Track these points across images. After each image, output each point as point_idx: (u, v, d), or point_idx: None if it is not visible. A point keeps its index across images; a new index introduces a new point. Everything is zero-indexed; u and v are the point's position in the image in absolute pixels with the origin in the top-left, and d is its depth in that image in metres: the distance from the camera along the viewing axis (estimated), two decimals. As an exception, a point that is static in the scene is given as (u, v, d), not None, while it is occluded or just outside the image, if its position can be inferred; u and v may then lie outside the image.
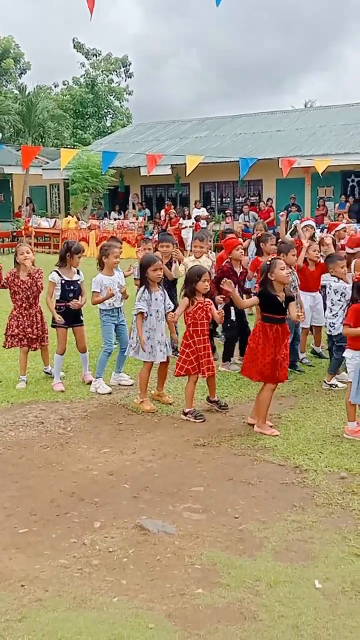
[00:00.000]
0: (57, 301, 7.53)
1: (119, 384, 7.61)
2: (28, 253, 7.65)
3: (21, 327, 7.65)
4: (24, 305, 7.66)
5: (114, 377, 7.70)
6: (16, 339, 7.67)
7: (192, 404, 6.65)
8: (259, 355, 6.08)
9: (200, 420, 6.50)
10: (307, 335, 8.81)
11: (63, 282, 7.51)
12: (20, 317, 7.66)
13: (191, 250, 8.82)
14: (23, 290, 7.64)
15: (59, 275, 7.54)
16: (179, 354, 6.75)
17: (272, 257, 6.86)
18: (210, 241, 9.88)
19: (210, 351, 6.71)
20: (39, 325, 7.72)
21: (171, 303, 7.11)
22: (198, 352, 6.57)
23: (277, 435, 6.00)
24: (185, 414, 6.60)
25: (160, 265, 6.87)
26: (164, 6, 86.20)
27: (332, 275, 7.50)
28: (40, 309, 7.79)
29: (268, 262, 6.24)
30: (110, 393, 7.29)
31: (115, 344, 7.58)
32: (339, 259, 7.54)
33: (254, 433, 6.07)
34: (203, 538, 4.21)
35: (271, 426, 6.16)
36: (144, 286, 6.82)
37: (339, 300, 7.32)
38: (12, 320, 7.69)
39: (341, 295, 7.32)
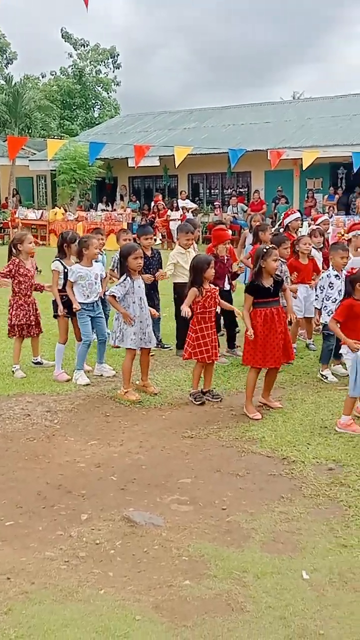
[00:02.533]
0: (59, 291, 7.55)
1: (102, 375, 7.58)
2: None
3: (27, 315, 7.72)
4: (28, 294, 7.73)
5: (97, 368, 7.69)
6: (20, 328, 7.72)
7: (197, 385, 6.83)
8: (247, 342, 6.27)
9: (198, 403, 6.65)
10: (299, 326, 8.82)
11: (66, 271, 7.53)
12: (25, 305, 7.72)
13: (177, 242, 8.68)
14: (28, 279, 7.71)
15: (62, 264, 7.57)
16: (187, 338, 6.78)
17: (269, 245, 6.83)
18: (198, 231, 9.84)
19: (216, 337, 6.89)
20: (37, 312, 7.84)
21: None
22: (207, 338, 6.69)
23: (258, 420, 6.14)
24: (191, 394, 6.81)
25: (140, 253, 6.88)
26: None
27: (331, 264, 7.48)
28: (34, 297, 7.86)
29: (264, 250, 6.29)
30: (88, 384, 7.25)
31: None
32: (341, 249, 7.49)
33: (242, 424, 6.06)
34: (190, 530, 4.19)
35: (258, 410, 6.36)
36: (125, 274, 6.84)
37: (331, 289, 7.33)
38: (18, 309, 7.70)
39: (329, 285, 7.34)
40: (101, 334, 7.55)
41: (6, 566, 3.76)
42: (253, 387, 6.39)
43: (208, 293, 6.71)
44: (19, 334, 7.73)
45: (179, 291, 7.81)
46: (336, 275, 7.31)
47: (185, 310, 6.65)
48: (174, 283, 8.34)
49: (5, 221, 28.13)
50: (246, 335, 6.29)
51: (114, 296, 6.75)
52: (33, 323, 7.79)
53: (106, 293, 7.00)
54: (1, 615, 3.31)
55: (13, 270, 7.64)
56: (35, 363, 8.03)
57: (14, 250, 7.74)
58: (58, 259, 7.64)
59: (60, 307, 7.51)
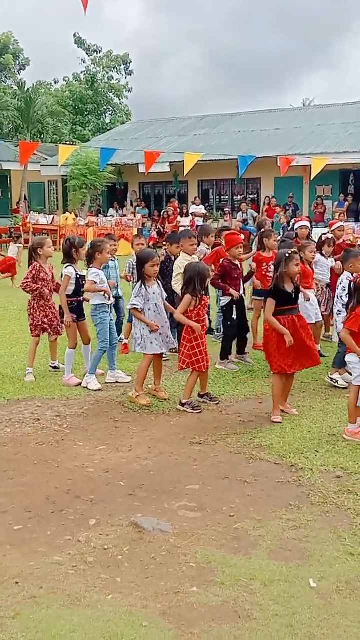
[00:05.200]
0: (69, 296, 7.57)
1: (117, 382, 7.59)
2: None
3: (49, 317, 7.83)
4: (48, 297, 7.82)
5: (111, 374, 7.66)
6: (41, 328, 7.81)
7: (191, 395, 6.76)
8: (278, 349, 6.23)
9: (197, 412, 6.60)
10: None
11: (78, 276, 7.58)
12: (46, 307, 7.83)
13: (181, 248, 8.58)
14: (47, 283, 7.81)
15: (75, 270, 7.64)
16: (180, 348, 6.78)
17: (291, 250, 6.81)
18: (212, 236, 9.83)
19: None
20: (56, 315, 7.93)
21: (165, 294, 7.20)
22: (202, 347, 6.68)
23: (279, 423, 6.21)
24: (182, 404, 6.67)
25: (158, 261, 6.91)
26: (166, 2, 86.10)
27: (349, 271, 7.43)
28: (54, 300, 7.98)
29: (287, 255, 6.28)
30: (100, 390, 7.28)
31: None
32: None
33: (250, 431, 6.06)
34: (198, 536, 4.20)
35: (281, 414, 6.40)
36: (140, 282, 6.86)
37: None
38: (39, 310, 7.80)
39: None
40: (112, 339, 7.57)
41: (15, 570, 3.78)
42: (281, 392, 6.40)
43: (204, 301, 6.73)
44: (41, 333, 7.81)
45: None
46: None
47: (182, 318, 6.66)
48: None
49: (17, 226, 28.29)
50: (271, 343, 6.26)
51: (136, 308, 6.77)
52: (54, 324, 7.88)
53: (128, 307, 6.98)
54: (9, 619, 3.32)
55: (35, 276, 7.73)
56: (53, 367, 8.08)
57: (34, 255, 7.83)
58: (70, 264, 7.65)
59: (68, 314, 7.51)
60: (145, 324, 6.77)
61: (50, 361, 8.18)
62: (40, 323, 7.79)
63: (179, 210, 25.78)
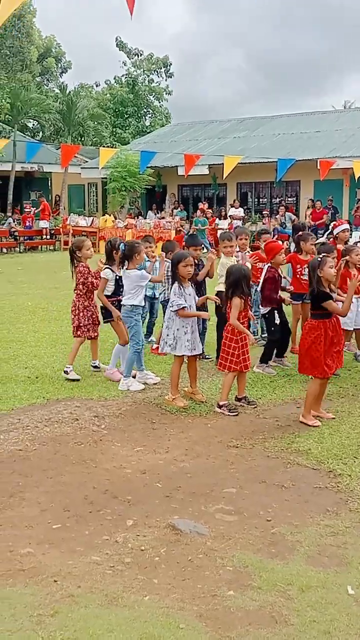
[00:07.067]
0: (109, 297, 7.75)
1: (145, 383, 7.63)
2: None
3: (93, 317, 7.96)
4: (91, 297, 7.99)
5: (140, 375, 7.69)
6: (86, 329, 7.91)
7: (228, 396, 6.77)
8: (323, 352, 6.19)
9: (234, 414, 6.60)
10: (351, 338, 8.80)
11: (117, 277, 7.71)
12: (90, 307, 7.96)
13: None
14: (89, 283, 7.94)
15: (112, 272, 7.78)
16: (223, 348, 6.80)
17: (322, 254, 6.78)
18: (247, 238, 9.79)
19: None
20: (97, 315, 8.06)
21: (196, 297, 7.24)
22: (245, 348, 6.72)
23: (318, 426, 6.19)
24: (220, 406, 6.67)
25: (191, 261, 6.93)
26: (207, 4, 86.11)
27: None
28: (95, 300, 8.10)
29: (319, 260, 6.27)
30: (143, 389, 7.35)
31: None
32: None
33: (288, 436, 6.03)
34: (235, 540, 4.20)
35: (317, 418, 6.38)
36: (176, 282, 6.92)
37: None
38: (85, 310, 7.91)
39: None
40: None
41: (53, 569, 3.83)
42: (316, 397, 6.36)
43: (247, 302, 6.84)
44: (83, 335, 7.91)
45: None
46: None
47: (237, 324, 6.67)
48: (218, 291, 8.18)
49: (57, 227, 28.62)
50: (320, 347, 6.19)
51: (183, 308, 6.81)
52: (97, 324, 8.01)
53: (170, 309, 7.00)
54: (48, 617, 3.36)
55: (92, 276, 7.87)
56: (94, 367, 8.16)
57: (74, 256, 7.94)
58: (108, 266, 7.79)
59: (115, 311, 7.65)
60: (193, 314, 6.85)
61: (91, 360, 8.27)
62: (85, 324, 7.89)
63: (210, 213, 25.67)
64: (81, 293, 7.92)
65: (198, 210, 25.96)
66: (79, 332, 7.94)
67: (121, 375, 7.56)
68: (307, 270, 7.22)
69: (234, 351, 6.69)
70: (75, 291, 7.97)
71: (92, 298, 7.99)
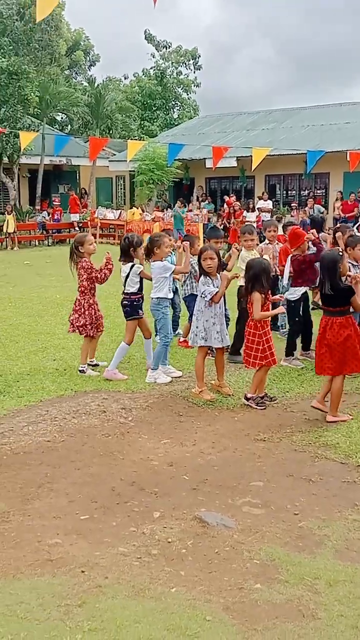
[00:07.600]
0: (133, 293, 7.56)
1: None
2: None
3: (96, 315, 7.89)
4: (94, 293, 7.91)
5: (162, 369, 7.67)
6: (92, 327, 7.84)
7: (256, 391, 6.75)
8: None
9: (262, 408, 6.58)
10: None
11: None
12: (94, 304, 7.89)
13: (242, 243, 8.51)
14: (92, 279, 7.86)
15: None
16: (247, 344, 6.77)
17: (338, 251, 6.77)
18: (275, 230, 9.69)
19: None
20: (99, 312, 7.97)
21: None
22: (271, 342, 6.71)
23: (346, 420, 6.15)
24: (247, 399, 6.66)
25: (211, 254, 6.87)
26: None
27: None
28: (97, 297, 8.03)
29: (339, 253, 6.28)
30: (170, 382, 7.35)
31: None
32: None
33: (315, 429, 5.99)
34: (262, 533, 4.19)
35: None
36: (202, 276, 6.94)
37: None
38: (90, 308, 7.82)
39: None
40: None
41: (81, 559, 3.85)
42: (341, 394, 6.30)
43: (268, 298, 6.77)
44: (89, 333, 7.83)
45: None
46: None
47: (263, 314, 6.64)
48: (240, 286, 8.10)
49: (85, 221, 28.72)
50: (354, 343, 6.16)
51: (216, 294, 6.81)
52: (100, 321, 7.95)
53: (204, 298, 6.98)
54: (75, 607, 3.39)
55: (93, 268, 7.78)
56: (92, 365, 8.01)
57: (75, 252, 7.82)
58: (125, 262, 7.60)
59: (142, 309, 7.56)
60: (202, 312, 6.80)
61: (89, 359, 8.21)
62: (90, 322, 7.78)
63: (238, 205, 25.53)
64: (86, 290, 7.79)
65: (178, 201, 25.97)
66: (86, 331, 7.81)
67: (122, 376, 7.55)
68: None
69: (258, 346, 6.65)
70: (80, 289, 7.84)
71: (95, 295, 7.89)
